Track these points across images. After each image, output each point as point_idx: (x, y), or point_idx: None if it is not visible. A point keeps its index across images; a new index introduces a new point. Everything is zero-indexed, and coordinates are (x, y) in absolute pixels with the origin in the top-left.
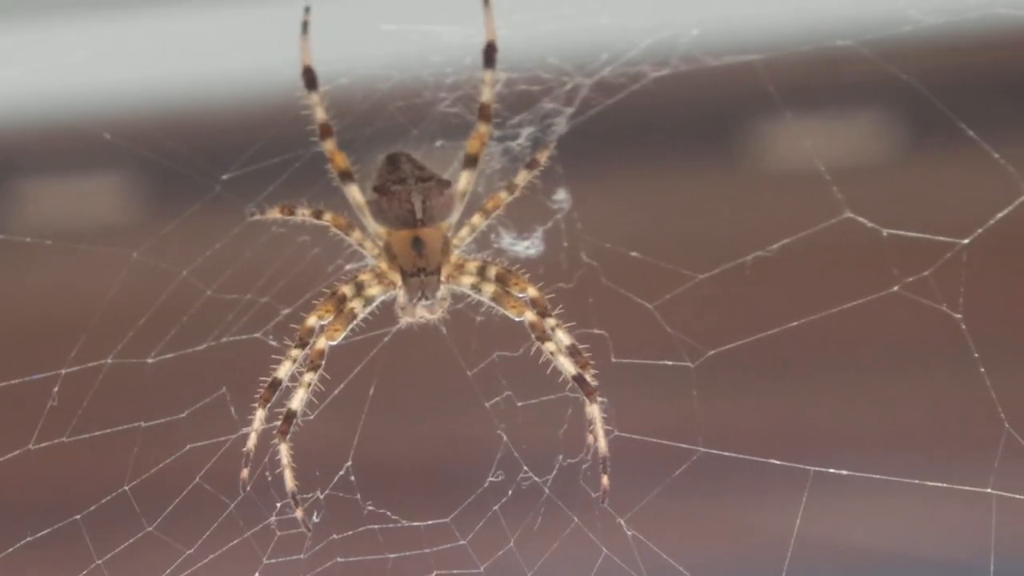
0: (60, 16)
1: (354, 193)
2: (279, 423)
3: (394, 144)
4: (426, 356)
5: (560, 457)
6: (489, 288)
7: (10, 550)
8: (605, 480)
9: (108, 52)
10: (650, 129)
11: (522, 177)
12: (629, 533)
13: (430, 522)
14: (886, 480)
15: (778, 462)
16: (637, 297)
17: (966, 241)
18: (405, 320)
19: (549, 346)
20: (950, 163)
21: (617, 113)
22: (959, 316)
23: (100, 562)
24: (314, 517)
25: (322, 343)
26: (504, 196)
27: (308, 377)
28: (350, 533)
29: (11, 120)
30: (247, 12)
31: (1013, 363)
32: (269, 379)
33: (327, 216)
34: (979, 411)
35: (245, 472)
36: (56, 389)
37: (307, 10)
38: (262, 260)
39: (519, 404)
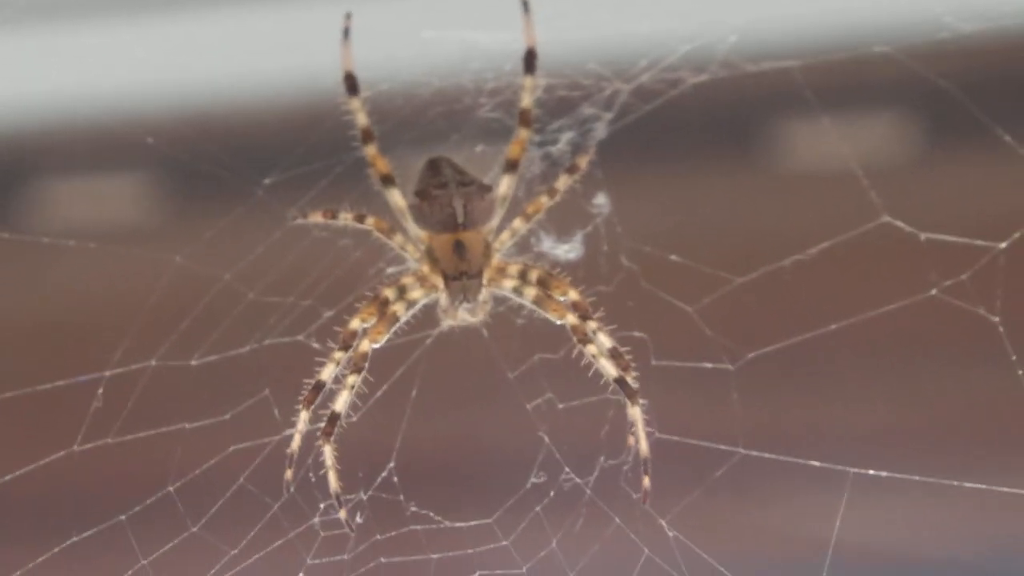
0: (100, 18)
1: (396, 197)
2: (323, 425)
3: (435, 149)
4: (468, 358)
5: (601, 458)
6: (530, 291)
7: (56, 550)
8: (646, 481)
9: (147, 55)
10: (687, 133)
11: (563, 182)
12: (671, 534)
13: (473, 523)
14: (924, 482)
15: (818, 464)
16: (677, 300)
17: (1003, 245)
18: (447, 323)
19: (590, 349)
20: (983, 165)
21: (655, 118)
22: (996, 319)
23: (145, 562)
24: (357, 518)
25: (365, 346)
26: (545, 200)
27: (352, 379)
28: (393, 534)
29: (51, 121)
30: (287, 16)
31: None
32: (313, 381)
33: (369, 220)
34: (1017, 413)
35: (289, 473)
36: (100, 391)
37: (348, 16)
38: (304, 264)
39: (560, 406)
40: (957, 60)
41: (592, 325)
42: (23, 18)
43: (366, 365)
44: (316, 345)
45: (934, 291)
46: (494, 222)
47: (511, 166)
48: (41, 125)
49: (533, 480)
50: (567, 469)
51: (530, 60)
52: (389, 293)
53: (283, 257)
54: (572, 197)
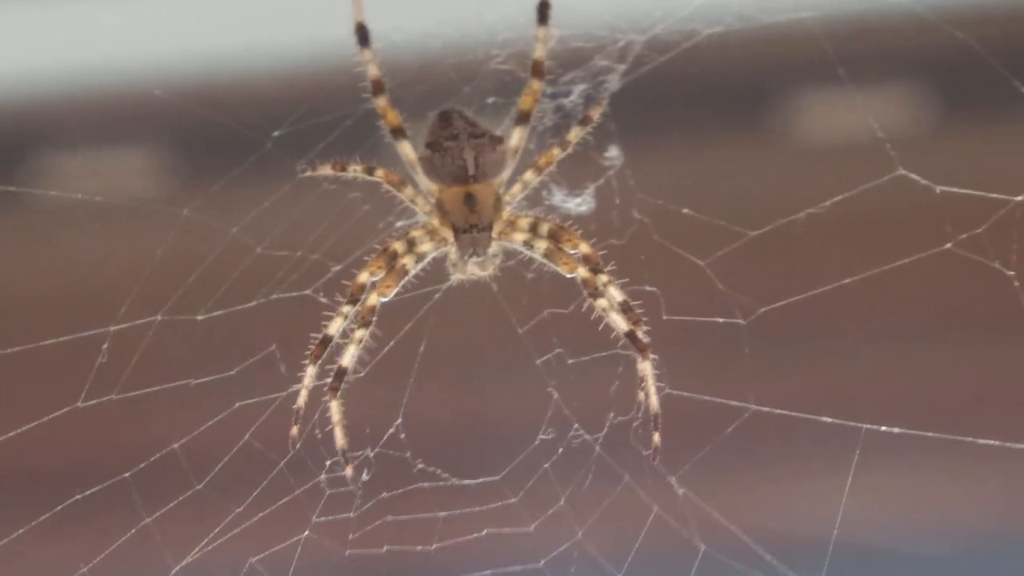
0: None
1: (406, 149)
2: (330, 380)
3: (446, 101)
4: (477, 313)
5: (611, 414)
6: (541, 244)
7: (59, 508)
8: (656, 438)
9: (159, 17)
10: (703, 89)
11: (574, 134)
12: (680, 491)
13: (480, 480)
14: (937, 438)
15: (829, 419)
16: (689, 254)
17: (1020, 198)
18: (456, 277)
19: (601, 303)
20: (1000, 126)
21: (671, 71)
22: (1012, 273)
23: (149, 520)
24: (364, 475)
25: (373, 299)
26: (556, 153)
27: (359, 334)
28: (400, 491)
29: (62, 91)
30: None
31: None
32: (320, 336)
33: (379, 172)
34: None
35: (295, 429)
36: (105, 346)
37: None
38: (312, 217)
39: (570, 361)
40: (979, 25)
41: (603, 279)
42: None
43: (374, 319)
44: (324, 300)
45: (949, 245)
46: (505, 174)
47: (523, 118)
48: (48, 98)
49: (542, 437)
50: (576, 425)
51: (543, 11)
52: (398, 246)
53: (291, 210)
54: (584, 150)
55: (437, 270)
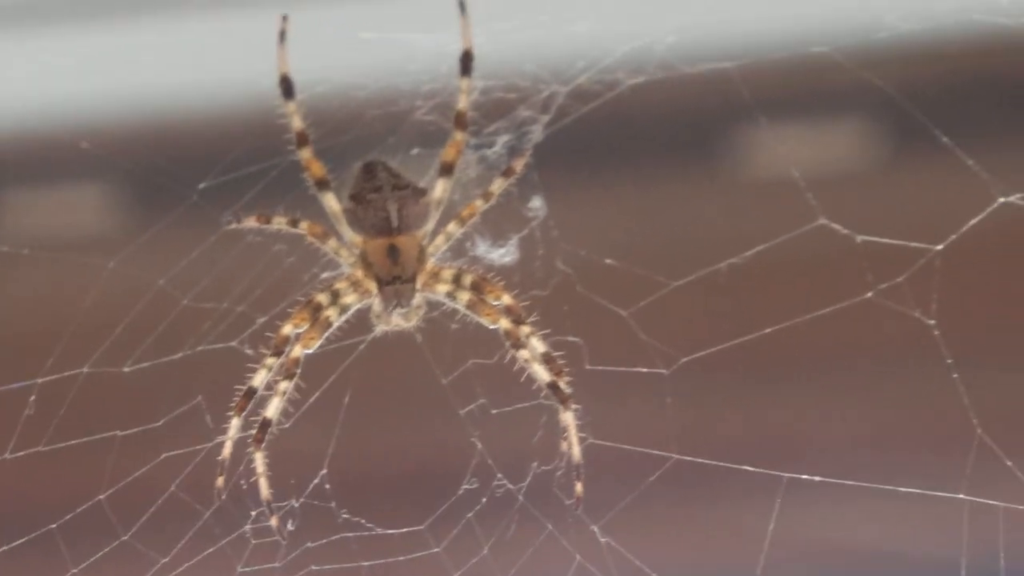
0: (36, 27)
1: (330, 201)
2: (254, 432)
3: (370, 152)
4: (401, 364)
5: (534, 464)
6: (464, 296)
7: None
8: (579, 487)
9: (86, 63)
10: (626, 137)
11: (498, 185)
12: (603, 540)
13: (404, 530)
14: (858, 486)
15: (751, 468)
16: (611, 304)
17: (940, 247)
18: (380, 328)
19: (523, 353)
20: (925, 171)
21: (593, 121)
22: (932, 322)
23: (76, 571)
24: (289, 525)
25: (297, 351)
26: (480, 204)
27: (283, 385)
28: (324, 541)
29: None
30: (223, 21)
31: (985, 369)
32: (244, 388)
33: (303, 224)
34: (952, 417)
35: (220, 480)
36: (32, 398)
37: (284, 18)
38: (238, 269)
39: (493, 412)
40: (903, 66)
41: (525, 330)
42: None
43: (298, 371)
44: (249, 351)
45: (870, 294)
46: (429, 226)
47: (446, 169)
48: None
49: (465, 486)
50: (499, 475)
51: (466, 62)
52: (322, 298)
53: (217, 262)
54: (508, 200)
55: (361, 321)
